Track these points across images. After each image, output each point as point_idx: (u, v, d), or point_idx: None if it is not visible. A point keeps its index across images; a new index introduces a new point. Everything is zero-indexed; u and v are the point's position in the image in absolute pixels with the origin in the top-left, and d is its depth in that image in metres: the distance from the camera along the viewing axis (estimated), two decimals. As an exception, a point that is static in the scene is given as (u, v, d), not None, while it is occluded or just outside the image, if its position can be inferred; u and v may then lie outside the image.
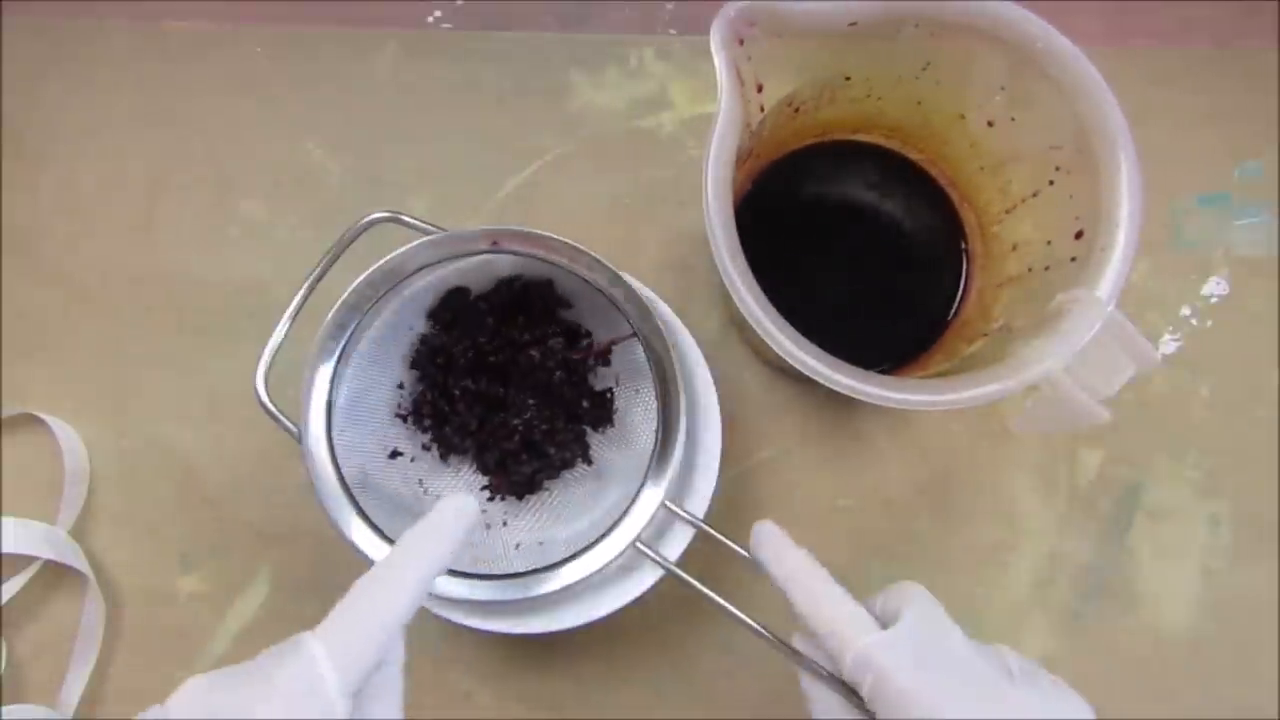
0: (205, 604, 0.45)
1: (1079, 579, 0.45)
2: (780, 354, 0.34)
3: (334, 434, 0.38)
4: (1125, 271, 0.34)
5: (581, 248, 0.39)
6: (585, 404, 0.42)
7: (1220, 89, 0.50)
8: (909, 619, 0.29)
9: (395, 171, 0.50)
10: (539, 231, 0.39)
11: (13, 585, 0.44)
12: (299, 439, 0.38)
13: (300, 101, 0.50)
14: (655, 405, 0.39)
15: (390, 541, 0.37)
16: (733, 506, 0.44)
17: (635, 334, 0.39)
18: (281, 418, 0.38)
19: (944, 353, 0.43)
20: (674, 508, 0.37)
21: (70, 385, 0.47)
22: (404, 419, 0.42)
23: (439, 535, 0.30)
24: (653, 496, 0.37)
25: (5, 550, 0.43)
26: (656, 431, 0.38)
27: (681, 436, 0.38)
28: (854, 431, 0.47)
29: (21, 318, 0.48)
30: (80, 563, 0.44)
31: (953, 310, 0.45)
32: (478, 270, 0.41)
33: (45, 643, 0.44)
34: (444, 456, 0.43)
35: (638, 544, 0.37)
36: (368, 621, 0.27)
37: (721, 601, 0.34)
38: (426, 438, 0.43)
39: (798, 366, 0.34)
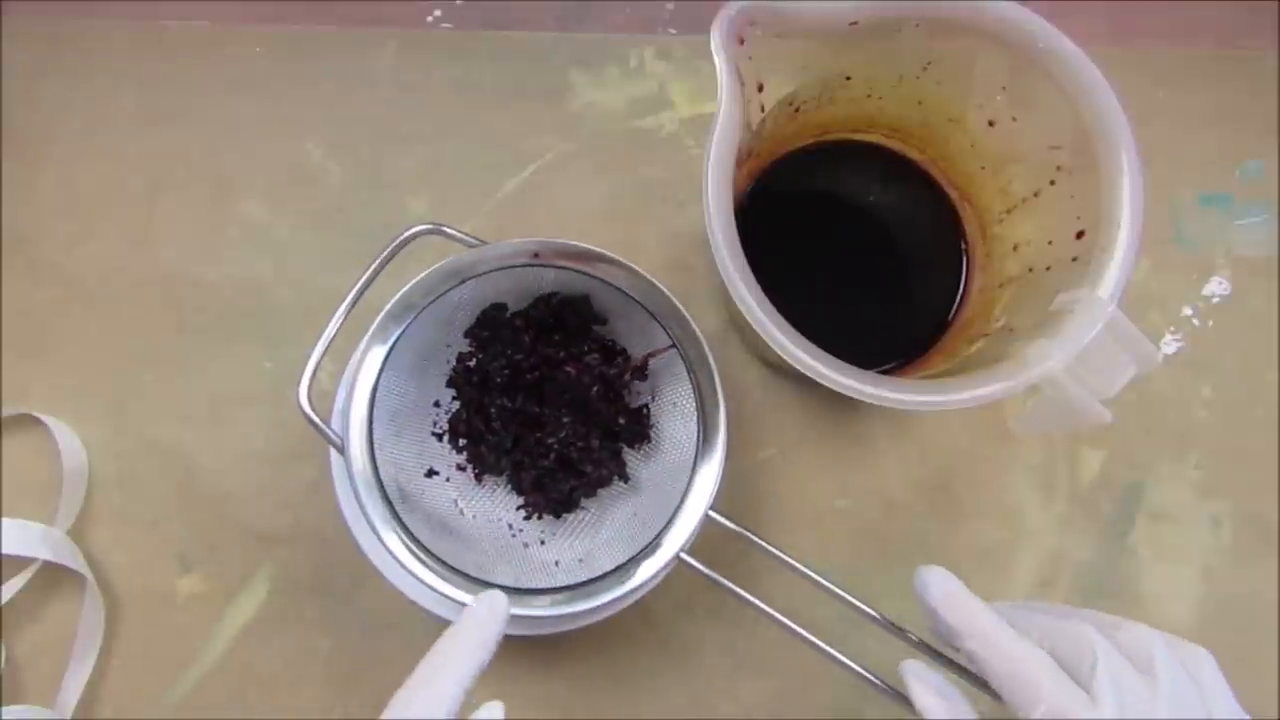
0: (205, 604, 0.45)
1: (1079, 579, 0.45)
2: (780, 354, 0.34)
3: (375, 447, 0.38)
4: (1127, 271, 0.34)
5: (623, 260, 0.39)
6: (622, 421, 0.42)
7: (1222, 89, 0.50)
8: (1161, 691, 0.25)
9: (395, 171, 0.49)
10: (580, 245, 0.39)
11: (12, 586, 0.44)
12: (341, 449, 0.38)
13: (300, 101, 0.50)
14: (695, 417, 0.39)
15: (431, 556, 0.37)
16: (733, 506, 0.44)
17: (674, 346, 0.39)
18: (325, 427, 0.37)
19: (945, 353, 0.43)
20: (719, 517, 0.37)
21: (70, 385, 0.47)
22: (439, 437, 0.42)
23: (474, 641, 0.29)
24: (696, 507, 0.38)
25: (4, 551, 0.42)
26: (697, 442, 0.39)
27: (723, 447, 0.38)
28: (854, 431, 0.47)
29: (21, 318, 0.48)
30: (79, 564, 0.44)
31: (953, 310, 0.45)
32: (515, 286, 0.41)
33: (44, 643, 0.44)
34: (479, 477, 0.42)
35: (682, 555, 0.37)
36: None
37: (791, 624, 0.33)
38: (462, 457, 0.43)
39: (798, 366, 0.34)
